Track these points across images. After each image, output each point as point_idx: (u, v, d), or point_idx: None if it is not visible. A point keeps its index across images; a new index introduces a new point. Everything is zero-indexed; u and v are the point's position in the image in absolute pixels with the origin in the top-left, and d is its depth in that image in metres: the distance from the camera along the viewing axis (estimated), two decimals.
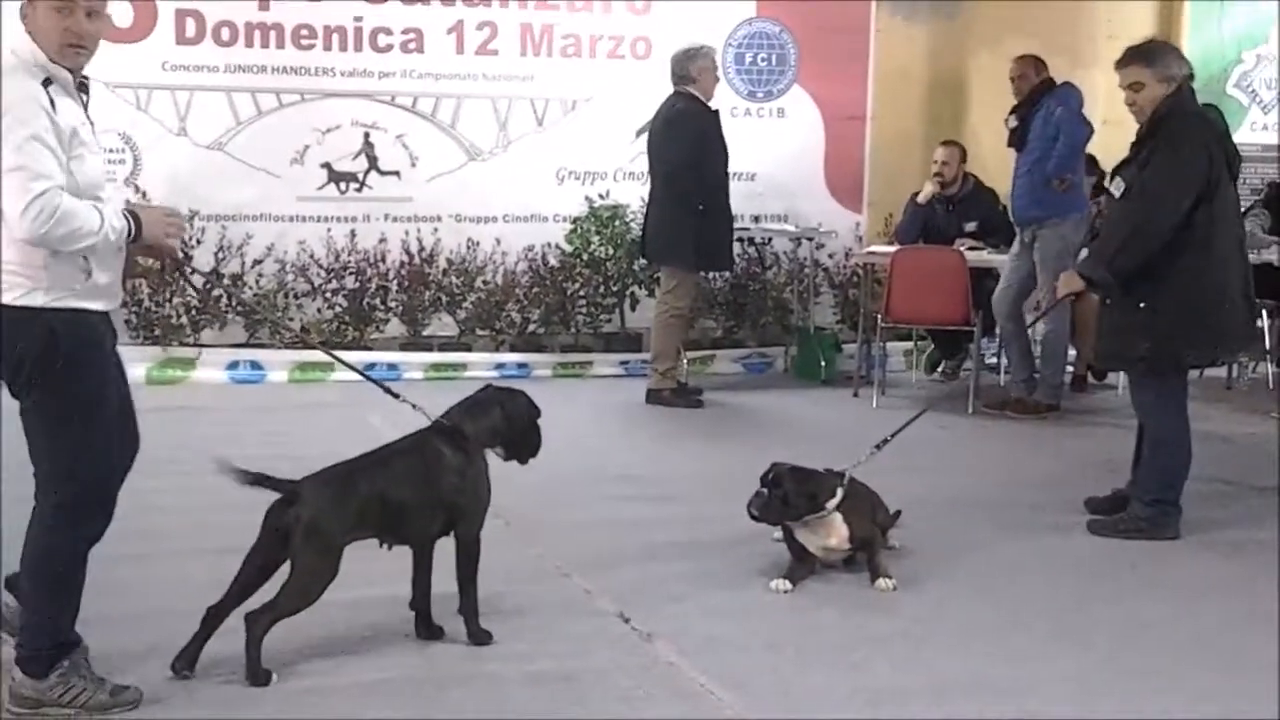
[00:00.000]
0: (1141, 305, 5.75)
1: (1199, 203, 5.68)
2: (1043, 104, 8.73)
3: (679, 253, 8.97)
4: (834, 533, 5.29)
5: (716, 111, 8.99)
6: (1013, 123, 8.98)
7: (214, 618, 4.14)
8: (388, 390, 4.64)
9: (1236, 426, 8.33)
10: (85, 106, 3.95)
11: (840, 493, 5.30)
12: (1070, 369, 9.92)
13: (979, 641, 4.64)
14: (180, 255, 5.07)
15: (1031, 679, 4.31)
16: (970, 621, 4.86)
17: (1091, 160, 9.50)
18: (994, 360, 10.05)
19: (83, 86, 3.98)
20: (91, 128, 3.93)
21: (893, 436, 5.64)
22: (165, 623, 4.40)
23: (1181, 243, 5.67)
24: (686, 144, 8.80)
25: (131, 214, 3.92)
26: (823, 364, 9.94)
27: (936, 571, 5.40)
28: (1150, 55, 5.93)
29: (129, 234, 3.87)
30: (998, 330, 9.06)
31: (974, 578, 5.36)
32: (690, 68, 8.92)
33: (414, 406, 4.52)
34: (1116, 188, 5.87)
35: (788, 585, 5.15)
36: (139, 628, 4.46)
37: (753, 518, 5.27)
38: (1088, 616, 4.95)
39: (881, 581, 5.20)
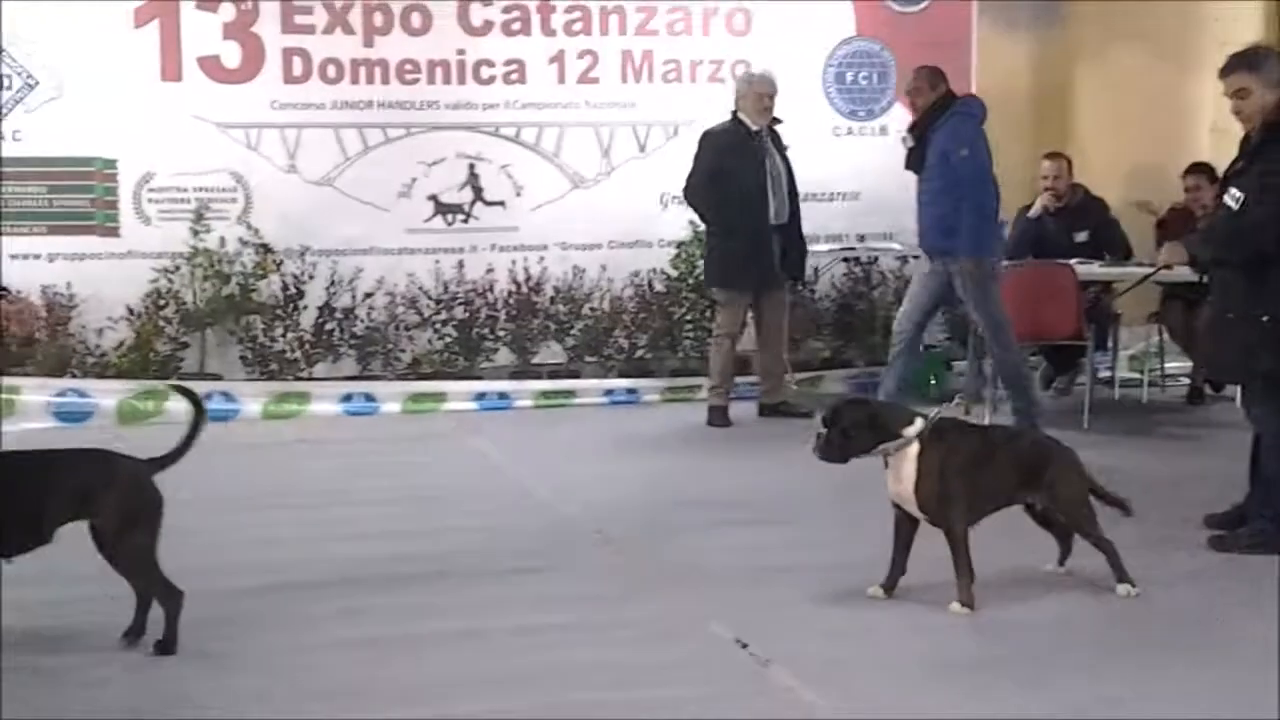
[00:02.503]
0: (1265, 319, 5.60)
1: None
2: (941, 122, 8.23)
3: (706, 270, 9.26)
4: (904, 476, 4.82)
5: (754, 131, 8.93)
6: (909, 142, 8.53)
7: None
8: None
9: None
10: None
11: (920, 423, 4.86)
12: (1187, 381, 9.78)
13: (1106, 660, 4.56)
14: None
15: (1162, 697, 4.21)
16: (1094, 639, 4.76)
17: (1208, 169, 9.32)
18: (1108, 374, 9.90)
19: None
20: None
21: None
22: (288, 657, 4.47)
23: None
24: (698, 163, 8.98)
25: None
26: (933, 382, 9.84)
27: (1057, 588, 5.30)
28: (1255, 61, 5.77)
29: None
30: (894, 347, 8.59)
31: (1096, 594, 5.26)
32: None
33: None
34: (1234, 199, 5.67)
35: (878, 591, 5.01)
36: (260, 661, 4.50)
37: (819, 459, 4.95)
38: (1215, 634, 4.83)
39: (954, 606, 4.90)
